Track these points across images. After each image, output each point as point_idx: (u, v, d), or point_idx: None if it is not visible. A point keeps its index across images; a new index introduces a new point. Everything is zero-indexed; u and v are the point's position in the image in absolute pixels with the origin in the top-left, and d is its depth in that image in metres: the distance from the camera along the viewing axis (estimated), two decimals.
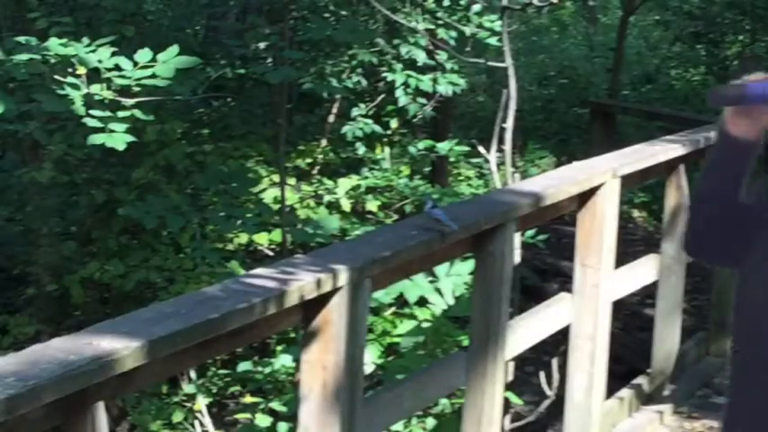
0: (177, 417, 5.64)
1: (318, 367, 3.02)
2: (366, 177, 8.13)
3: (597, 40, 15.38)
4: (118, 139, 4.62)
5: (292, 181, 7.73)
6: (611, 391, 4.90)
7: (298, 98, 8.40)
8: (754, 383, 2.04)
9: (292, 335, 5.91)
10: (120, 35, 6.35)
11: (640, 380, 5.23)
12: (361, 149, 8.17)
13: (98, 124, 4.66)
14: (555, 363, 5.25)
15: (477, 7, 7.51)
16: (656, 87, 13.34)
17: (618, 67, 11.65)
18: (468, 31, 7.41)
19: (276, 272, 2.94)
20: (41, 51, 4.82)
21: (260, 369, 5.79)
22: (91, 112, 4.70)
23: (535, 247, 6.49)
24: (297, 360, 4.98)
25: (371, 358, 5.23)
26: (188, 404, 5.71)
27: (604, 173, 4.40)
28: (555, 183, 4.18)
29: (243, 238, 6.87)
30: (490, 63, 7.04)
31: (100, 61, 4.81)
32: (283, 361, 5.59)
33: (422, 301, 5.56)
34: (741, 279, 2.14)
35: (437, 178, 8.89)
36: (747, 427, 2.04)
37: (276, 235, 6.73)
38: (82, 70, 4.75)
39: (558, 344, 5.08)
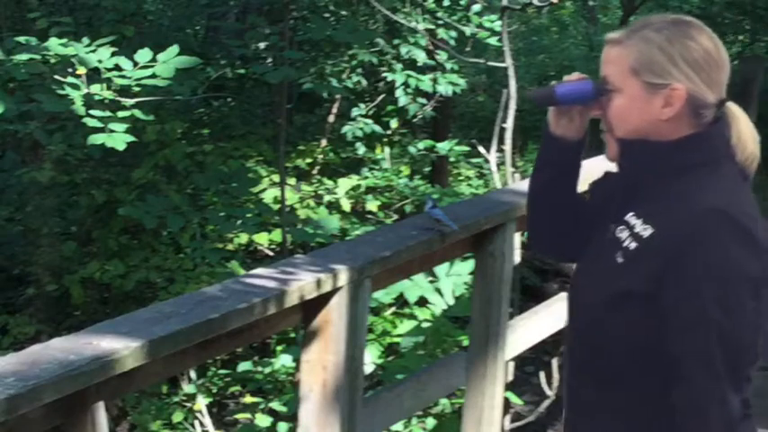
0: (177, 417, 5.64)
1: (318, 367, 3.02)
2: (366, 177, 8.14)
3: (597, 40, 15.38)
4: (118, 139, 4.61)
5: (292, 181, 7.73)
6: None
7: (298, 98, 8.40)
8: (572, 376, 2.17)
9: (292, 335, 5.91)
10: (120, 35, 6.35)
11: None
12: (361, 149, 8.17)
13: (98, 124, 4.66)
14: (555, 363, 5.25)
15: (477, 7, 7.51)
16: None
17: None
18: (468, 31, 7.41)
19: (276, 272, 2.94)
20: (41, 51, 4.82)
21: (260, 369, 5.79)
22: (91, 112, 4.70)
23: None
24: (297, 360, 4.98)
25: (371, 358, 5.23)
26: (188, 404, 5.71)
27: (604, 172, 4.40)
28: None
29: (243, 238, 6.87)
30: (490, 63, 7.05)
31: (100, 61, 4.81)
32: (283, 361, 5.60)
33: (422, 301, 5.56)
34: (573, 276, 2.22)
35: (437, 178, 8.89)
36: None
37: (276, 235, 6.73)
38: (82, 70, 4.75)
39: (557, 344, 5.08)
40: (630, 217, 2.04)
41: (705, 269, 1.92)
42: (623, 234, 2.04)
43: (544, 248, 2.41)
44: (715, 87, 2.01)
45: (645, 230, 2.00)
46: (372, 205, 7.81)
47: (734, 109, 2.06)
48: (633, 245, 2.00)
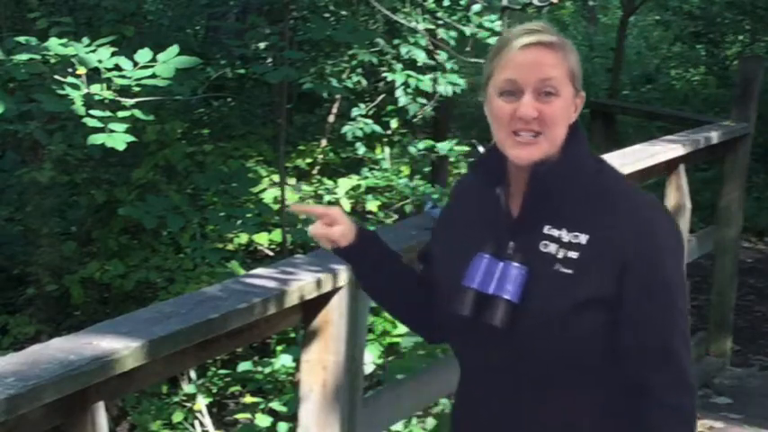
0: (177, 417, 5.64)
1: (318, 367, 3.02)
2: (366, 177, 8.13)
3: (597, 40, 15.39)
4: (118, 139, 4.61)
5: (292, 181, 7.73)
6: None
7: (298, 98, 8.40)
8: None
9: (292, 335, 5.91)
10: (120, 35, 6.34)
11: None
12: (361, 149, 8.16)
13: (98, 124, 4.65)
14: None
15: (477, 7, 7.50)
16: (656, 87, 13.35)
17: (618, 67, 11.66)
18: (468, 31, 7.41)
19: (276, 272, 2.95)
20: (41, 51, 4.81)
21: (260, 369, 5.79)
22: (91, 112, 4.70)
23: None
24: (297, 360, 4.98)
25: (371, 358, 5.23)
26: (188, 404, 5.71)
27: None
28: None
29: (243, 238, 6.87)
30: None
31: (100, 61, 4.81)
32: (283, 361, 5.59)
33: None
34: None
35: (437, 178, 8.89)
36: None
37: (276, 235, 6.73)
38: (82, 70, 4.75)
39: None
40: (550, 230, 2.04)
41: (665, 258, 2.01)
42: (550, 248, 2.02)
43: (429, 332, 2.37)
44: None
45: (577, 237, 2.01)
46: (372, 205, 7.81)
47: None
48: (574, 254, 2.00)
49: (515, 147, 2.04)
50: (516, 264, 2.03)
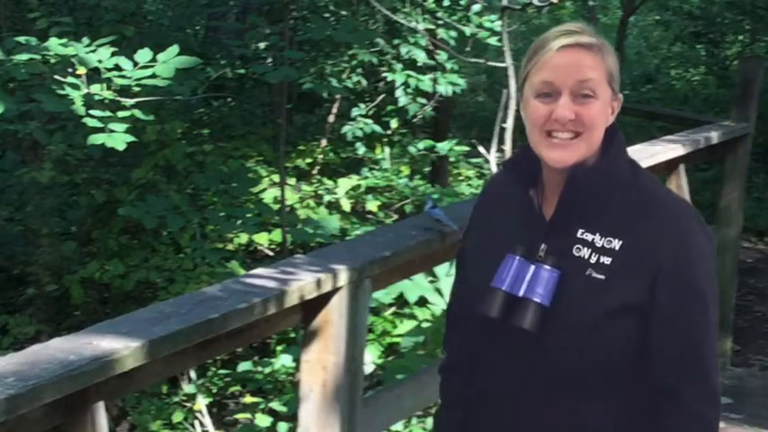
0: (177, 417, 5.64)
1: (318, 367, 3.02)
2: (366, 177, 8.13)
3: None
4: (118, 139, 4.61)
5: (292, 181, 7.73)
6: None
7: (298, 98, 8.40)
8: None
9: (292, 335, 5.91)
10: (120, 35, 6.34)
11: None
12: (361, 149, 8.17)
13: (98, 124, 4.65)
14: None
15: (477, 7, 7.50)
16: (656, 87, 13.35)
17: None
18: (468, 31, 7.40)
19: (276, 272, 2.95)
20: (41, 51, 4.81)
21: (260, 369, 5.79)
22: (91, 112, 4.70)
23: None
24: (297, 360, 4.98)
25: (371, 358, 5.23)
26: (188, 404, 5.71)
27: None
28: None
29: (243, 238, 6.87)
30: (490, 63, 7.04)
31: (100, 61, 4.81)
32: (283, 361, 5.60)
33: (422, 301, 5.56)
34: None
35: (437, 178, 8.89)
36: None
37: (276, 235, 6.73)
38: (82, 70, 4.75)
39: None
40: (583, 234, 2.02)
41: (699, 267, 1.99)
42: (583, 252, 2.01)
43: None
44: None
45: (611, 243, 1.99)
46: (372, 205, 7.81)
47: None
48: (607, 259, 1.99)
49: (550, 148, 2.00)
50: (548, 267, 2.01)
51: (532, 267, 2.02)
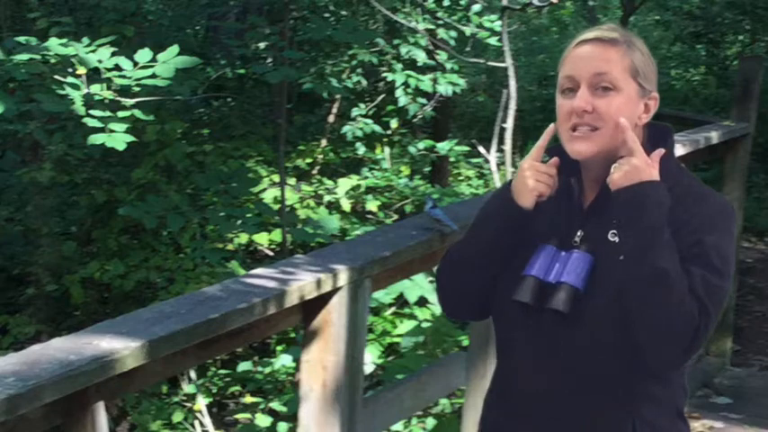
0: (177, 417, 5.64)
1: (318, 367, 3.02)
2: (366, 177, 8.13)
3: None
4: (118, 139, 4.61)
5: (292, 181, 7.73)
6: None
7: (298, 98, 8.40)
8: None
9: (292, 335, 5.91)
10: (120, 35, 6.34)
11: None
12: (361, 149, 8.16)
13: (98, 124, 4.65)
14: None
15: (477, 7, 7.50)
16: None
17: None
18: (468, 31, 7.41)
19: (276, 272, 2.94)
20: (41, 51, 4.81)
21: (260, 369, 5.79)
22: (91, 112, 4.70)
23: None
24: (297, 360, 4.98)
25: (371, 358, 5.23)
26: (188, 404, 5.71)
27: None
28: None
29: (243, 238, 6.87)
30: (490, 63, 7.05)
31: (100, 61, 4.81)
32: (283, 361, 5.60)
33: (422, 301, 5.56)
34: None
35: (437, 178, 8.89)
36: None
37: (276, 235, 6.73)
38: (82, 70, 4.75)
39: None
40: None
41: (726, 239, 2.02)
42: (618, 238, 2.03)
43: (466, 315, 2.38)
44: None
45: None
46: (372, 205, 7.81)
47: None
48: None
49: (571, 141, 2.05)
50: (582, 251, 2.04)
51: (564, 253, 2.05)
